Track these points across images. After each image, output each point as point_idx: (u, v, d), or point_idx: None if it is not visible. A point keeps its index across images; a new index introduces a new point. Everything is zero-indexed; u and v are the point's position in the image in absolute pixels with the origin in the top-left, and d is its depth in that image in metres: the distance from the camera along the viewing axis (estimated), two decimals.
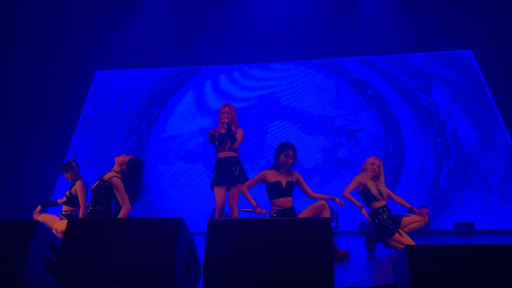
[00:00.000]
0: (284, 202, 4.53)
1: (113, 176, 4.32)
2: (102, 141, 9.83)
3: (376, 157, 5.11)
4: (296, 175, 4.63)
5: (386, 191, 5.01)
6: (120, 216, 4.19)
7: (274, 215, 4.47)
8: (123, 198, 4.25)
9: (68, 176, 5.43)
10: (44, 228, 2.69)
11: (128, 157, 4.47)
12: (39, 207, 5.45)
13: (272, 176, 4.54)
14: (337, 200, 4.50)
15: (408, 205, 5.05)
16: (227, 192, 4.87)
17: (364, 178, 4.94)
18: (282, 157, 4.53)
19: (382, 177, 5.02)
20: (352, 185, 4.97)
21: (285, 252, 2.39)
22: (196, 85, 10.10)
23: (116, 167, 4.42)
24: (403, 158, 8.77)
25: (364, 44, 9.51)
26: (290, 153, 4.52)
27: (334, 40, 9.56)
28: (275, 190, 4.51)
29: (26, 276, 2.46)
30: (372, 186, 4.89)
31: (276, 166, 4.58)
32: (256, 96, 9.68)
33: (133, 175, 4.37)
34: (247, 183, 4.65)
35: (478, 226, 7.77)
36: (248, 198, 4.54)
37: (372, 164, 4.99)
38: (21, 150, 9.04)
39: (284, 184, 4.52)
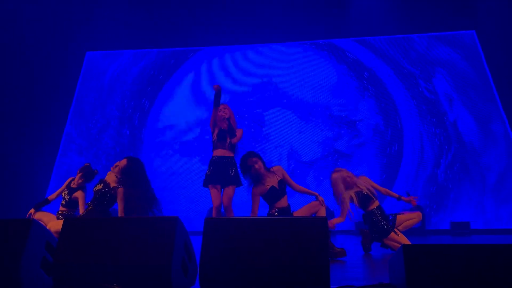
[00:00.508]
0: (283, 201, 4.61)
1: (118, 186, 4.35)
2: (94, 132, 9.57)
3: (336, 169, 5.03)
4: (279, 170, 4.69)
5: (373, 186, 4.94)
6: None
7: (276, 214, 4.50)
8: (121, 208, 4.29)
9: (78, 178, 5.45)
10: (40, 227, 2.68)
11: (121, 166, 4.45)
12: (32, 210, 5.45)
13: (263, 187, 4.57)
14: (319, 198, 4.56)
15: (396, 195, 5.01)
16: (222, 190, 4.86)
17: (348, 194, 4.88)
18: (252, 170, 4.57)
19: (357, 180, 4.95)
20: (347, 204, 4.92)
21: (281, 251, 2.39)
22: (191, 68, 9.80)
23: (115, 172, 4.45)
24: (402, 151, 8.64)
25: (364, 25, 9.24)
26: (254, 159, 4.58)
27: (332, 20, 9.30)
28: (273, 195, 4.57)
29: (22, 275, 2.45)
30: (356, 198, 4.84)
31: (256, 181, 4.60)
32: (252, 83, 9.46)
33: (135, 183, 4.37)
34: (254, 211, 4.58)
35: (474, 225, 7.79)
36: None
37: (348, 177, 4.92)
38: (11, 140, 8.57)
39: (277, 186, 4.58)
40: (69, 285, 2.44)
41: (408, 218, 4.92)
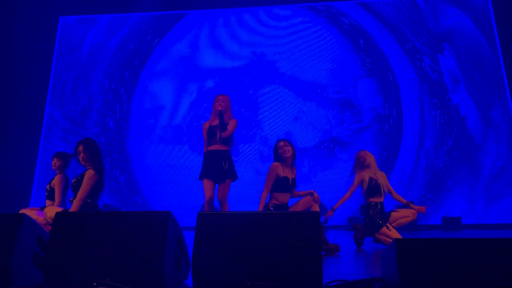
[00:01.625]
0: (285, 197, 4.62)
1: (88, 169, 4.33)
2: (76, 115, 8.93)
3: (367, 151, 5.12)
4: (295, 172, 4.72)
5: (387, 186, 4.99)
6: (73, 208, 4.16)
7: (272, 208, 4.51)
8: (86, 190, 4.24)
9: (54, 163, 5.41)
10: (32, 222, 2.66)
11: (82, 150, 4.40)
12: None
13: (281, 169, 4.60)
14: (315, 194, 4.58)
15: (405, 201, 5.07)
16: (216, 185, 4.83)
17: (366, 175, 4.92)
18: (278, 151, 4.63)
19: (377, 171, 5.01)
20: (355, 184, 4.97)
21: (274, 245, 2.39)
22: (177, 37, 9.05)
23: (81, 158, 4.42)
24: (400, 140, 8.32)
25: None
26: (281, 143, 4.60)
27: None
28: (281, 185, 4.56)
29: (13, 269, 2.43)
30: (366, 183, 4.88)
31: (278, 159, 4.65)
32: (244, 56, 8.88)
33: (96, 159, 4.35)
34: (267, 187, 4.60)
35: (466, 220, 7.82)
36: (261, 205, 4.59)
37: (365, 156, 4.99)
38: None
39: (290, 181, 4.60)
40: (61, 280, 2.43)
41: (403, 216, 4.94)
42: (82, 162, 4.36)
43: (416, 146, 8.25)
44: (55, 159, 5.45)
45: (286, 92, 8.73)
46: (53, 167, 5.43)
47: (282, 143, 4.66)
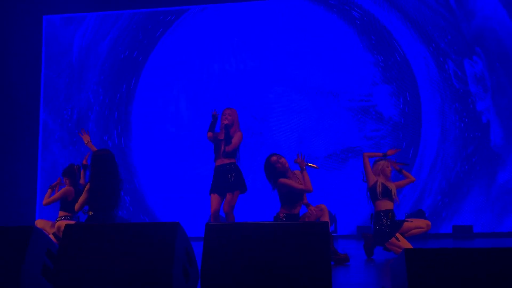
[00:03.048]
0: (295, 207, 4.51)
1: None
2: (72, 125, 8.43)
3: (389, 160, 5.02)
4: (300, 175, 4.59)
5: (394, 188, 4.90)
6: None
7: (284, 219, 4.46)
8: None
9: (66, 182, 5.52)
10: (41, 234, 2.68)
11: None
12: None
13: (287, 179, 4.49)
14: (312, 208, 4.48)
15: (411, 177, 5.02)
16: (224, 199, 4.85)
17: (380, 179, 4.86)
18: (277, 166, 4.50)
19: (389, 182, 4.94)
20: (369, 169, 4.88)
21: (283, 256, 2.38)
22: (179, 34, 8.36)
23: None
24: (418, 147, 7.76)
25: None
26: (274, 158, 4.53)
27: None
28: (293, 197, 4.48)
29: (22, 282, 2.44)
30: (379, 186, 4.80)
31: (281, 175, 4.50)
32: (247, 57, 8.25)
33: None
34: (306, 182, 4.48)
35: (478, 228, 7.68)
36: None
37: (387, 167, 4.91)
38: None
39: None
40: None
41: (417, 227, 4.86)
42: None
43: (434, 152, 7.96)
44: (65, 179, 5.54)
45: (296, 96, 8.17)
46: (67, 186, 5.52)
47: (275, 158, 4.56)
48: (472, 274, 2.11)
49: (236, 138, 4.84)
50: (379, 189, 4.76)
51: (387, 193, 4.77)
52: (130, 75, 8.51)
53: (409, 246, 4.53)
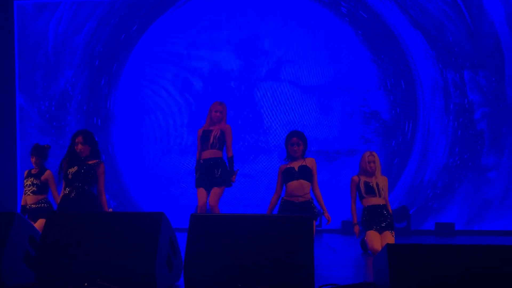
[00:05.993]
0: (297, 186, 4.47)
1: (99, 162, 4.34)
2: (51, 116, 8.14)
3: (371, 152, 4.98)
4: (311, 162, 4.60)
5: (384, 186, 4.87)
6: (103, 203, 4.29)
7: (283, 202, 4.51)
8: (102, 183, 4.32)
9: (34, 161, 5.32)
10: (24, 221, 2.65)
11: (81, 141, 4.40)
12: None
13: (286, 165, 4.58)
14: (326, 214, 4.50)
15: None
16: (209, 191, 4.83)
17: (358, 178, 4.85)
18: (288, 147, 4.57)
19: (378, 172, 4.87)
20: (352, 191, 4.88)
21: (266, 248, 2.39)
22: (169, 25, 8.04)
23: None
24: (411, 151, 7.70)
25: None
26: (294, 140, 4.53)
27: None
28: (287, 175, 4.51)
29: (4, 268, 2.42)
30: (362, 184, 4.80)
31: (288, 157, 4.60)
32: (248, 52, 8.04)
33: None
34: (277, 191, 4.61)
35: (460, 226, 7.79)
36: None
37: (369, 162, 4.88)
38: None
39: (296, 168, 4.50)
40: (52, 279, 2.42)
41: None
42: (82, 154, 4.32)
43: (419, 151, 7.95)
44: (34, 157, 5.33)
45: (290, 93, 8.00)
46: (35, 166, 5.30)
47: (294, 140, 4.56)
48: (452, 269, 2.14)
49: (228, 135, 4.85)
50: (362, 187, 4.79)
51: (371, 190, 4.79)
52: (110, 64, 8.18)
53: (378, 246, 4.47)
